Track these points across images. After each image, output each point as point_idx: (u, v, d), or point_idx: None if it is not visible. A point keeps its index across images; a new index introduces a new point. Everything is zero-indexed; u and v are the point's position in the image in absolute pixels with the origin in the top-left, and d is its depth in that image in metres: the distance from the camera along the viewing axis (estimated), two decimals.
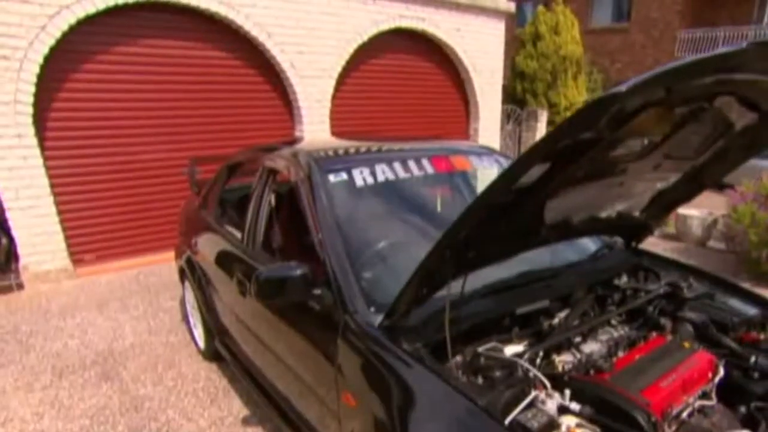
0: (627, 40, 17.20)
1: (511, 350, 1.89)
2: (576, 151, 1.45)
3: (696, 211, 6.81)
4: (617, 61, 17.35)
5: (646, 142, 1.70)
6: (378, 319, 1.90)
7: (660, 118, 1.44)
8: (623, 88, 1.15)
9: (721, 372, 1.85)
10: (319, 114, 7.41)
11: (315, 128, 7.38)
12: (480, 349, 1.82)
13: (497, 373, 1.71)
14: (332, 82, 7.47)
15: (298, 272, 2.02)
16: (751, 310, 2.23)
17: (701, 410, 1.75)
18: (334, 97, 7.57)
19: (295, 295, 2.04)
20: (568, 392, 1.59)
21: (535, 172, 1.47)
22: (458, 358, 1.82)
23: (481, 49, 9.33)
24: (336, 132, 7.65)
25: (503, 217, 1.67)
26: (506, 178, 1.46)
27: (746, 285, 3.14)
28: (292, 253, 2.90)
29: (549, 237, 2.01)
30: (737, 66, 1.32)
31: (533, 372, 1.66)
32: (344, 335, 1.94)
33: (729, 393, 1.87)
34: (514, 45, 13.45)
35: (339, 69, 7.50)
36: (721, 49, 1.18)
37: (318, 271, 2.12)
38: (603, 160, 1.64)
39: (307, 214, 2.39)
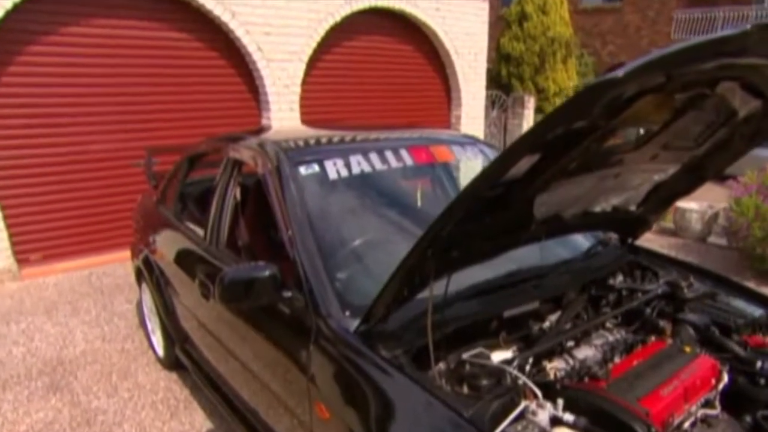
0: (620, 20, 17.35)
1: (498, 356, 1.87)
2: (568, 141, 1.43)
3: (695, 205, 6.85)
4: (609, 43, 17.51)
5: (642, 131, 1.70)
6: (354, 323, 1.88)
7: (659, 105, 1.44)
8: (620, 73, 1.14)
9: (726, 378, 1.86)
10: (288, 101, 7.33)
11: (284, 116, 7.30)
12: (465, 356, 1.81)
13: (484, 382, 1.69)
14: (302, 66, 7.39)
15: (267, 273, 2.00)
16: (757, 311, 2.24)
17: (704, 420, 1.76)
18: (304, 82, 7.50)
19: (263, 298, 2.02)
20: (560, 402, 1.58)
21: (525, 163, 1.45)
22: (441, 365, 1.80)
23: (462, 30, 9.32)
24: (307, 120, 7.57)
25: (490, 212, 1.66)
26: (494, 170, 1.44)
27: (750, 283, 3.19)
28: (259, 252, 2.90)
29: (539, 233, 2.00)
30: (740, 50, 1.31)
31: (523, 380, 1.65)
32: (317, 341, 1.92)
33: (733, 401, 1.87)
34: (498, 26, 13.49)
35: (310, 52, 7.42)
36: (723, 32, 1.18)
37: (288, 272, 2.09)
38: (597, 151, 1.63)
39: (276, 209, 2.36)
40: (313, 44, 7.43)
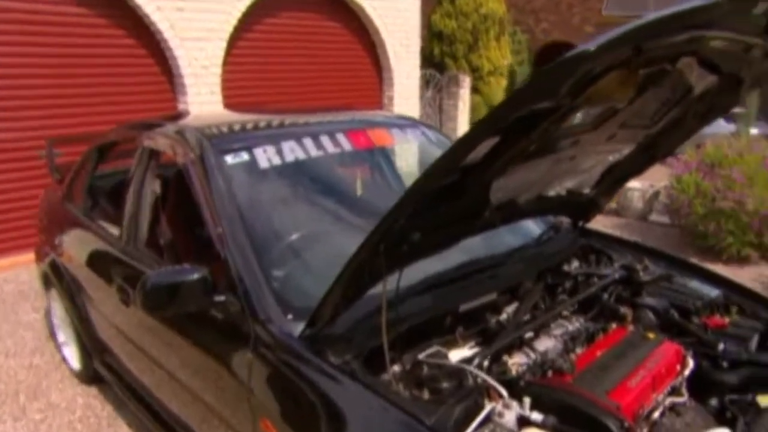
0: None
1: (456, 354, 1.85)
2: (529, 122, 1.41)
3: (637, 183, 7.12)
4: (543, 20, 17.89)
5: (599, 110, 1.69)
6: (298, 327, 1.80)
7: (622, 82, 1.43)
8: (592, 47, 1.13)
9: (691, 364, 1.90)
10: (208, 83, 7.09)
11: (203, 100, 7.06)
12: (421, 356, 1.77)
13: (445, 384, 1.66)
14: (222, 45, 7.16)
15: (195, 276, 1.90)
16: (713, 292, 2.31)
17: (673, 408, 1.79)
18: (225, 62, 7.28)
19: (192, 305, 1.93)
20: (527, 400, 1.57)
21: (484, 147, 1.42)
22: (396, 368, 1.75)
23: (393, 6, 9.28)
24: (230, 104, 7.36)
25: (445, 200, 1.62)
26: (453, 155, 1.41)
27: (693, 260, 3.35)
28: (185, 252, 2.79)
29: (494, 220, 1.98)
30: (710, 22, 1.33)
31: (486, 379, 1.62)
32: (256, 349, 1.83)
33: (697, 385, 1.92)
34: (430, 2, 13.52)
35: (230, 29, 7.20)
36: (696, 2, 1.19)
37: (219, 273, 2.00)
38: (556, 132, 1.62)
39: (202, 203, 2.26)
40: (233, 21, 7.21)
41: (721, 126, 7.64)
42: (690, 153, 6.13)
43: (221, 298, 1.95)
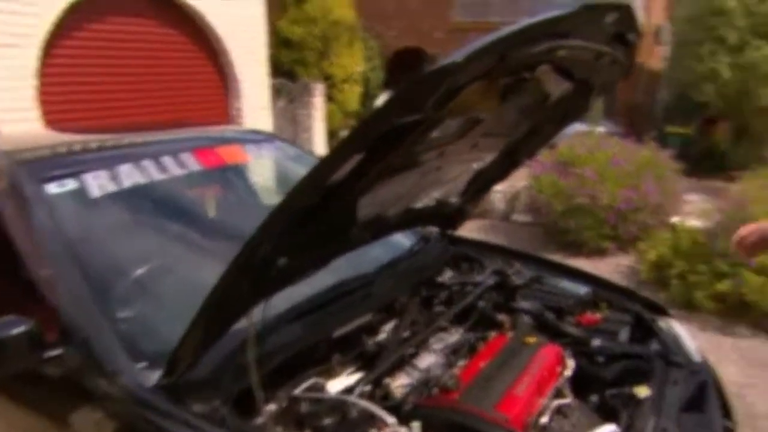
0: (402, 2, 18.37)
1: (336, 384, 1.83)
2: (395, 136, 1.42)
3: (498, 186, 7.61)
4: (393, 26, 18.48)
5: (462, 120, 1.75)
6: (153, 376, 1.67)
7: (484, 92, 1.49)
8: (459, 58, 1.16)
9: (572, 364, 2.01)
10: (20, 97, 6.45)
11: (14, 117, 6.37)
12: (297, 391, 1.72)
13: (326, 420, 1.62)
14: (36, 53, 6.59)
15: (18, 330, 1.69)
16: (582, 289, 2.49)
17: (559, 410, 1.87)
18: (43, 74, 6.71)
19: (17, 365, 1.72)
20: (416, 425, 1.57)
21: (349, 164, 1.42)
22: (271, 407, 1.69)
23: (235, 12, 9.12)
24: (52, 121, 6.79)
25: (311, 221, 1.59)
26: (317, 174, 1.39)
27: (557, 256, 3.59)
28: (2, 301, 2.50)
29: (363, 237, 1.98)
30: (568, 31, 1.43)
31: (370, 409, 1.61)
32: (104, 406, 1.70)
33: (579, 383, 2.03)
34: (276, 8, 13.47)
35: (44, 35, 6.65)
36: (556, 12, 1.28)
37: (51, 323, 1.81)
38: (421, 145, 1.65)
39: (20, 241, 2.04)
40: (48, 26, 6.66)
41: (573, 127, 8.38)
42: (545, 153, 6.62)
43: (56, 351, 1.76)
